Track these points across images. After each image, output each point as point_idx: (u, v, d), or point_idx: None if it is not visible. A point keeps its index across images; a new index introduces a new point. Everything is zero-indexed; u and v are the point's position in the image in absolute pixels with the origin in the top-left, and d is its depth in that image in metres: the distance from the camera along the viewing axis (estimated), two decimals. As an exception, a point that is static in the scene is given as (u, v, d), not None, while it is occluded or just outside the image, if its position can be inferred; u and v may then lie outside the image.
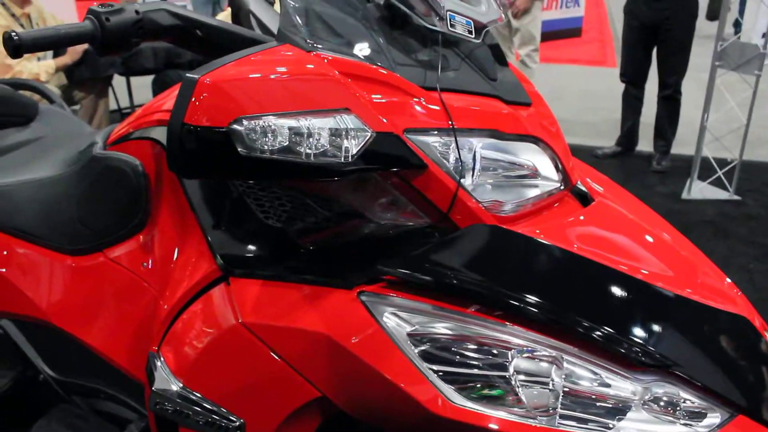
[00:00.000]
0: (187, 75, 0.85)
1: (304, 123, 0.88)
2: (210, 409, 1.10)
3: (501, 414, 0.94)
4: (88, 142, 1.53)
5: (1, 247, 1.57)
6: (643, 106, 4.30)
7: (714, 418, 1.03)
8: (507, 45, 4.77)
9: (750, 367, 1.11)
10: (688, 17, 3.89)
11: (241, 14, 1.49)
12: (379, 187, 1.06)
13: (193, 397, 1.11)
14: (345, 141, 0.90)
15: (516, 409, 0.95)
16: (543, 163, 1.19)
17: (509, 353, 0.97)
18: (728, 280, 1.30)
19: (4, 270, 1.57)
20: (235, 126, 0.85)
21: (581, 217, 1.21)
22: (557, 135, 1.23)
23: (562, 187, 1.21)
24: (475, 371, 0.97)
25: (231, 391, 1.10)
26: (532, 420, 0.94)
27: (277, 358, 1.05)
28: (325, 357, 1.01)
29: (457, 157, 1.04)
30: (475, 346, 0.98)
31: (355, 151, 0.91)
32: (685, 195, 3.84)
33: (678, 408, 1.00)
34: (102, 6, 1.07)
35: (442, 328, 0.99)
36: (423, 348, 0.98)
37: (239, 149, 0.86)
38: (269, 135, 0.86)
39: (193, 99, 0.84)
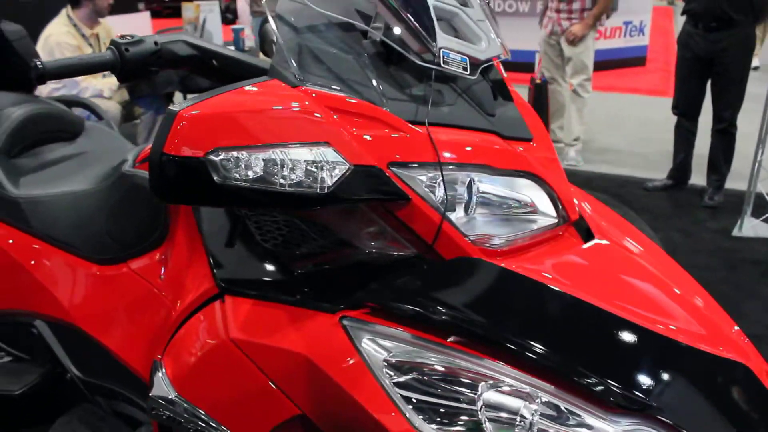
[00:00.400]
0: (170, 108, 0.92)
1: (278, 155, 0.93)
2: (201, 418, 1.16)
3: None
4: (121, 159, 1.63)
5: (37, 253, 1.69)
6: (696, 138, 4.20)
7: None
8: (560, 74, 4.75)
9: (745, 417, 1.09)
10: (745, 50, 3.79)
11: (266, 44, 1.57)
12: (367, 217, 1.10)
13: (186, 406, 1.17)
14: (321, 173, 0.95)
15: None
16: (540, 198, 1.21)
17: (480, 386, 0.99)
18: (736, 327, 1.27)
19: (39, 275, 1.69)
20: (211, 156, 0.91)
21: (576, 254, 1.22)
22: (556, 171, 1.24)
23: (559, 223, 1.22)
24: (445, 401, 0.99)
25: (220, 402, 1.16)
26: None
27: (261, 374, 1.09)
28: (305, 377, 1.06)
29: (444, 190, 1.08)
30: (448, 377, 1.00)
31: (330, 183, 0.96)
32: (736, 232, 3.71)
33: None
34: (123, 38, 1.16)
35: (417, 357, 1.02)
36: (397, 375, 1.01)
37: (215, 178, 0.92)
38: (243, 165, 0.92)
39: (172, 130, 0.91)
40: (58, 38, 3.80)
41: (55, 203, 1.70)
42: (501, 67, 1.45)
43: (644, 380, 1.03)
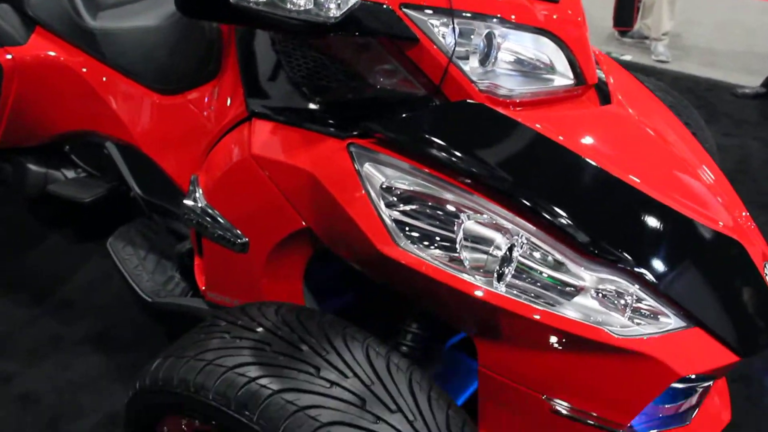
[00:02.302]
0: None
1: None
2: (224, 226, 1.32)
3: (439, 264, 1.06)
4: None
5: (109, 81, 1.86)
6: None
7: (666, 323, 1.08)
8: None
9: (725, 289, 1.13)
10: None
11: None
12: (380, 55, 1.17)
13: (213, 213, 1.33)
14: (330, 3, 1.02)
15: (455, 264, 1.07)
16: (559, 58, 1.24)
17: (462, 215, 1.08)
18: (745, 213, 1.28)
19: (110, 100, 1.87)
20: None
21: (586, 114, 1.26)
22: (579, 33, 1.26)
23: (575, 84, 1.26)
24: (430, 227, 1.09)
25: (240, 212, 1.31)
26: (467, 275, 1.06)
27: (275, 188, 1.22)
28: (311, 193, 1.18)
29: (454, 35, 1.12)
30: (434, 205, 1.10)
31: (338, 14, 1.02)
32: (823, 149, 3.51)
33: (628, 305, 1.06)
34: None
35: (411, 185, 1.11)
36: (389, 198, 1.11)
37: None
38: None
39: None
40: None
41: (127, 36, 1.84)
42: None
43: (626, 235, 1.09)
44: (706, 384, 1.21)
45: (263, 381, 0.92)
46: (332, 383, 0.93)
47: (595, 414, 1.15)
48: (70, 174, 2.13)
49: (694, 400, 1.24)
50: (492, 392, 1.21)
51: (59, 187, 2.06)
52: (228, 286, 1.43)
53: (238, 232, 1.31)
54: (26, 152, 2.15)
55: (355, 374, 0.95)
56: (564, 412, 1.16)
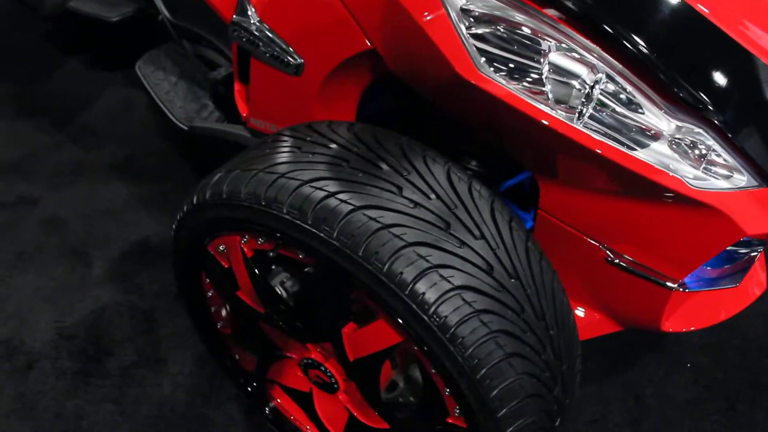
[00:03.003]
0: None
1: None
2: (278, 44, 1.22)
3: (520, 93, 0.99)
4: None
5: None
6: None
7: (740, 180, 1.04)
8: None
9: None
10: None
11: None
12: None
13: (265, 31, 1.23)
14: None
15: (537, 96, 1.00)
16: None
17: (548, 45, 1.00)
18: None
19: None
20: None
21: None
22: None
23: None
24: (511, 55, 1.01)
25: (298, 31, 1.21)
26: (548, 108, 0.99)
27: (340, 4, 1.12)
28: (382, 10, 1.08)
29: None
30: (519, 32, 1.01)
31: None
32: None
33: (704, 157, 1.02)
34: None
35: (494, 10, 1.02)
36: (470, 21, 1.02)
37: None
38: None
39: None
40: None
41: None
42: None
43: (712, 84, 1.03)
44: (759, 248, 1.19)
45: (343, 196, 0.87)
46: (416, 204, 0.89)
47: (649, 267, 1.13)
48: (92, -8, 1.98)
49: (745, 263, 1.23)
50: (547, 238, 1.19)
51: (82, 5, 1.92)
52: (275, 113, 1.35)
53: (294, 51, 1.21)
54: (43, -35, 1.99)
55: (438, 196, 0.91)
56: (618, 261, 1.14)
